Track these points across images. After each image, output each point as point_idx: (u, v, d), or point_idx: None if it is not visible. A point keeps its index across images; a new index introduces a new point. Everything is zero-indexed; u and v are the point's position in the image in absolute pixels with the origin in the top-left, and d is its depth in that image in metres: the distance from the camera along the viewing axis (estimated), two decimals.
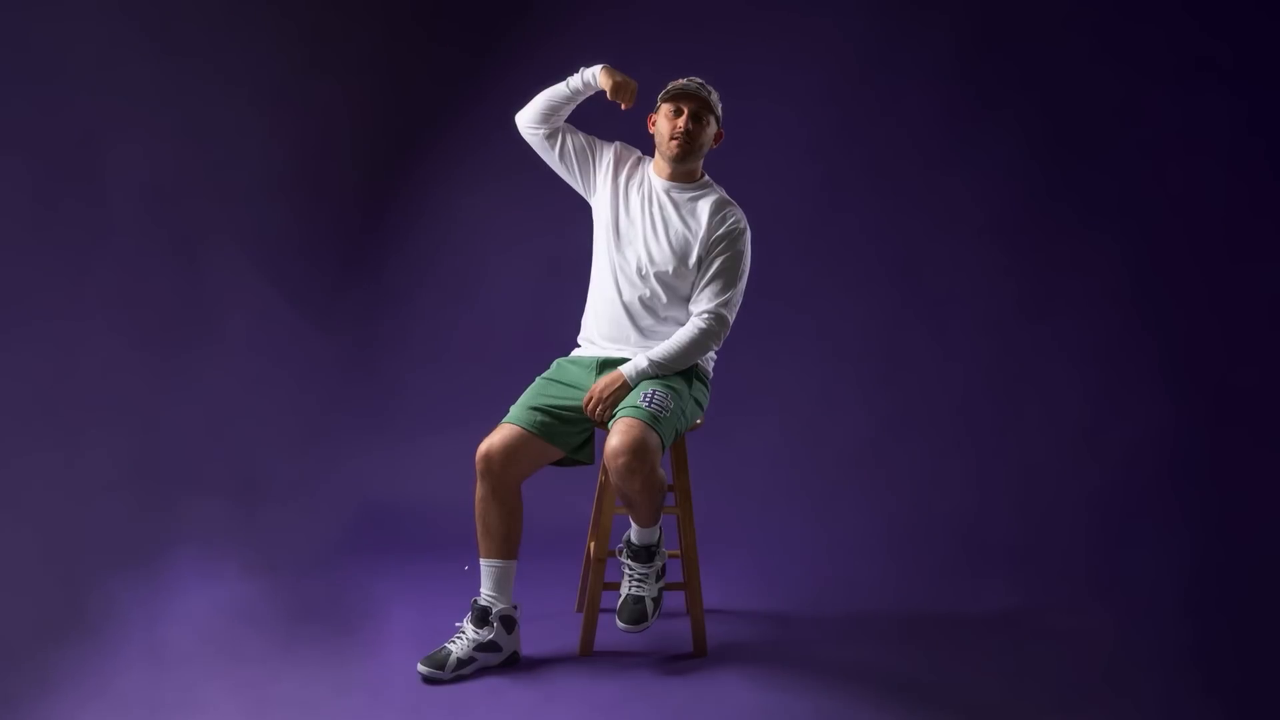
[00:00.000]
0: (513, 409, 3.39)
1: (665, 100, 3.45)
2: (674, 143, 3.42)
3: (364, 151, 5.10)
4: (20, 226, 4.68)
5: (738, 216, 3.46)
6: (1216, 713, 3.28)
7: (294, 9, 4.99)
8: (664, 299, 3.45)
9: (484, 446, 3.30)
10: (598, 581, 3.46)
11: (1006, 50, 4.95)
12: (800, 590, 4.03)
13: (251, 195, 4.97)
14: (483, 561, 3.35)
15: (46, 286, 4.68)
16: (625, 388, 3.34)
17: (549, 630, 3.58)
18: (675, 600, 3.71)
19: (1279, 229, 4.83)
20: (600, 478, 3.53)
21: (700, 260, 3.43)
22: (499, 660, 3.35)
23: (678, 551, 3.53)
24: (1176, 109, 4.89)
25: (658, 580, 3.47)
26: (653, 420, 3.21)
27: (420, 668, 3.27)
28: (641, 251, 3.45)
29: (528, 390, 3.46)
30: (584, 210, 3.63)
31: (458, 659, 3.29)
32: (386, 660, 3.38)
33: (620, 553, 3.50)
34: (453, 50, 5.06)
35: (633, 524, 3.44)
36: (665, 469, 3.39)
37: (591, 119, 3.62)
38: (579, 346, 3.60)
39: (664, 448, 3.26)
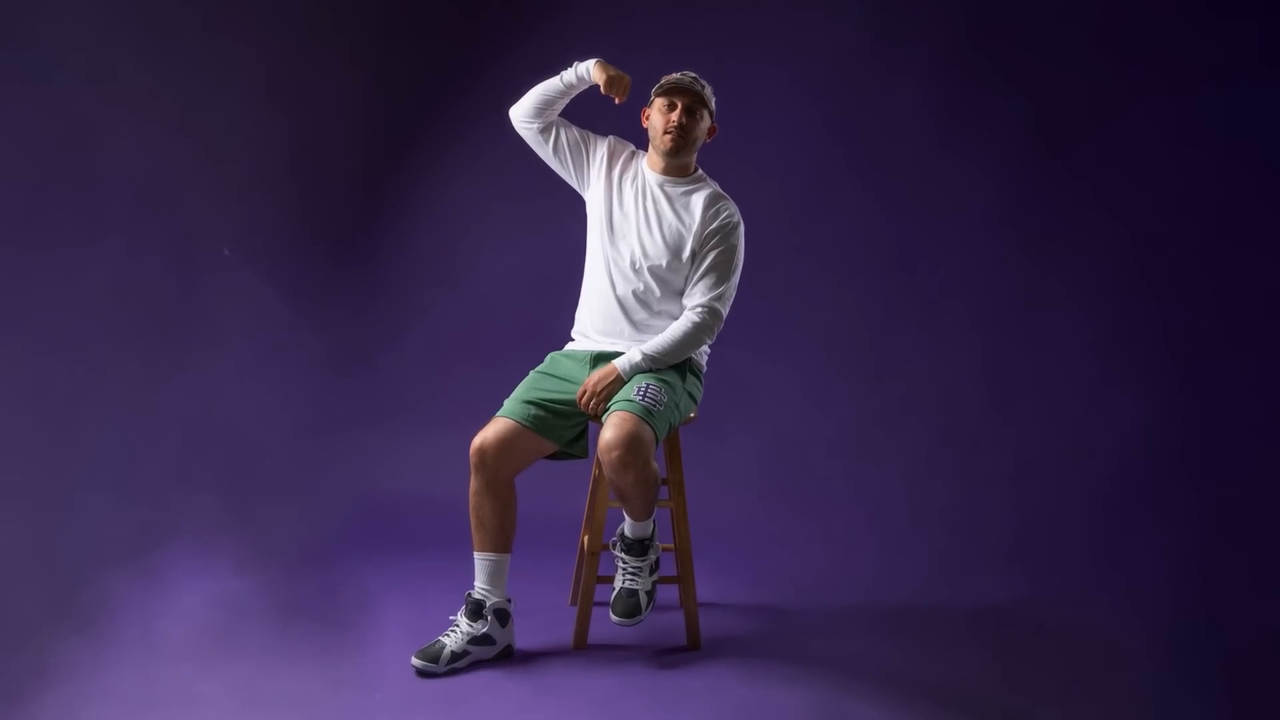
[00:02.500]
0: (506, 403, 3.39)
1: (659, 94, 3.45)
2: (667, 137, 3.42)
3: (358, 147, 5.10)
4: (14, 222, 4.67)
5: (731, 210, 3.47)
6: (1215, 705, 3.29)
7: (287, 5, 4.98)
8: (657, 293, 3.45)
9: (478, 440, 3.30)
10: (591, 575, 3.46)
11: (1000, 43, 4.95)
12: (794, 583, 4.04)
13: (245, 191, 4.97)
14: (477, 555, 3.35)
15: (40, 282, 4.67)
16: (619, 381, 3.34)
17: (543, 624, 3.58)
18: (669, 594, 3.71)
19: (1275, 220, 4.83)
20: (594, 471, 3.53)
21: (694, 254, 3.43)
22: (493, 654, 3.36)
23: (671, 545, 3.53)
24: (1169, 102, 4.89)
25: (651, 574, 3.48)
26: (646, 414, 3.22)
27: (414, 661, 3.27)
28: (635, 245, 3.45)
29: (521, 384, 3.46)
30: (578, 204, 3.63)
31: (451, 652, 3.29)
32: (380, 654, 3.38)
33: (614, 546, 3.51)
34: (446, 45, 5.06)
35: (626, 517, 3.45)
36: (659, 463, 3.39)
37: (585, 113, 3.61)
38: (573, 340, 3.60)
39: (658, 441, 3.26)
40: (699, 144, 3.49)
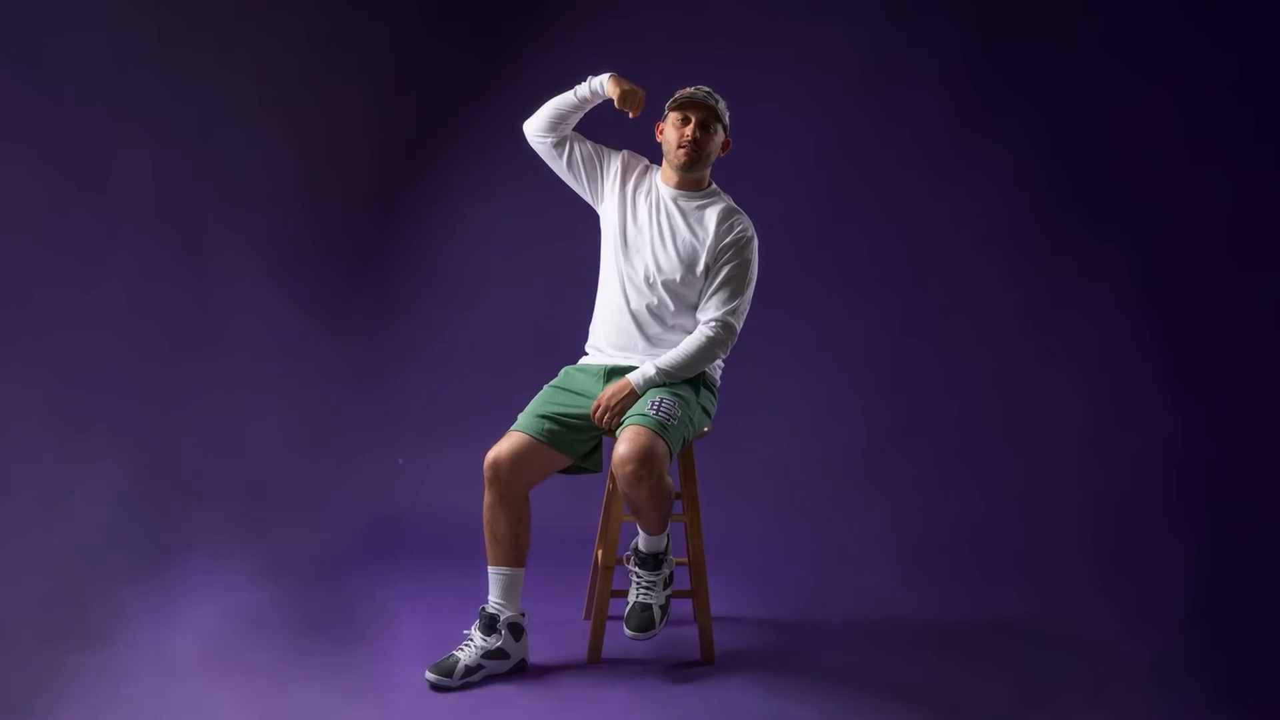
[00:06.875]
0: (520, 417, 3.39)
1: (672, 109, 3.46)
2: (681, 151, 3.43)
3: (372, 159, 5.10)
4: (30, 233, 4.68)
5: (745, 225, 3.47)
6: None
7: (302, 16, 5.00)
8: (671, 307, 3.45)
9: (492, 454, 3.31)
10: (605, 589, 3.46)
11: (1013, 58, 4.95)
12: (807, 598, 4.03)
13: (260, 202, 4.97)
14: (491, 569, 3.35)
15: (56, 293, 4.68)
16: (633, 395, 3.34)
17: (556, 637, 3.58)
18: (683, 607, 3.71)
19: None
20: (608, 485, 3.53)
21: (707, 268, 3.44)
22: (506, 668, 3.36)
23: (685, 559, 3.53)
24: (1182, 116, 4.89)
25: (665, 588, 3.48)
26: (660, 428, 3.22)
27: (428, 675, 3.27)
28: (649, 260, 3.45)
29: (535, 398, 3.46)
30: (591, 218, 3.64)
31: (465, 666, 3.29)
32: (394, 668, 3.38)
33: (628, 560, 3.51)
34: (461, 58, 5.06)
35: (640, 531, 3.45)
36: (673, 477, 3.39)
37: (599, 127, 3.62)
38: (587, 354, 3.61)
39: (671, 455, 3.26)
40: (713, 158, 3.49)
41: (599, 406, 3.35)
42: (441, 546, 4.27)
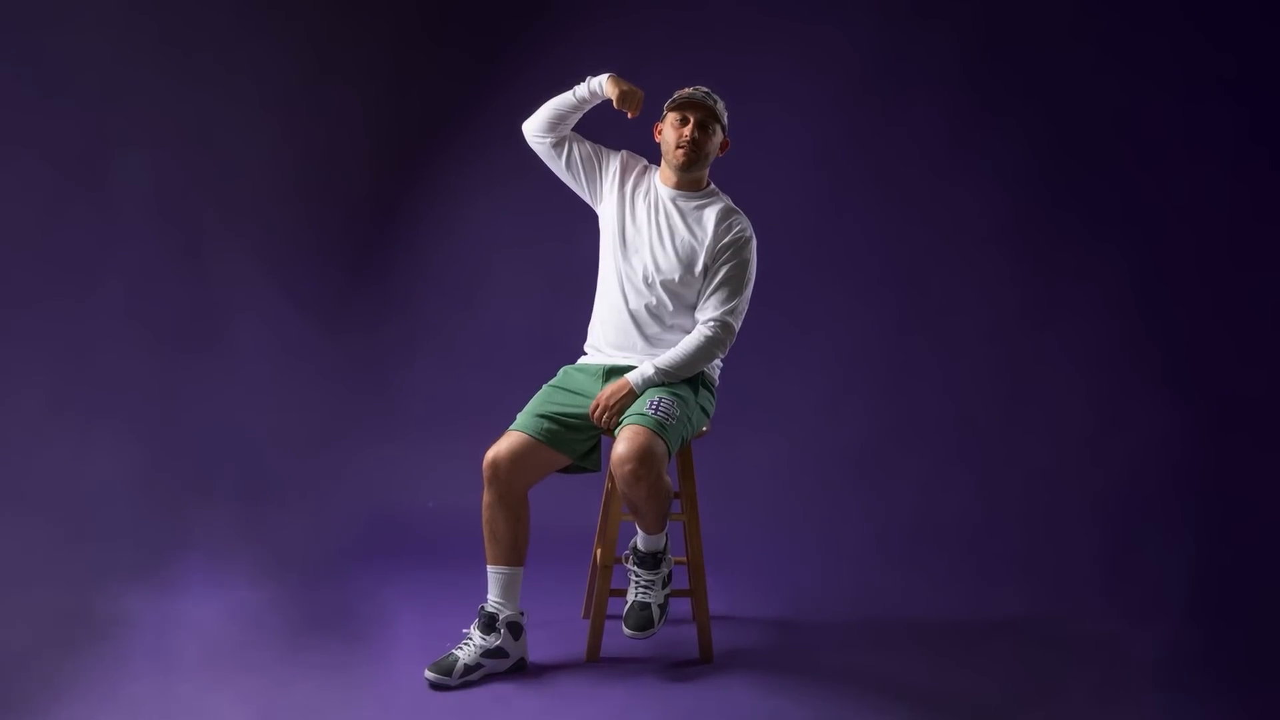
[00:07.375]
0: (520, 416, 3.40)
1: (671, 109, 3.47)
2: (679, 151, 3.43)
3: (371, 159, 5.10)
4: (30, 234, 4.69)
5: (743, 225, 3.48)
6: (1226, 718, 3.28)
7: (302, 17, 5.00)
8: (670, 307, 3.46)
9: (491, 454, 3.31)
10: (604, 588, 3.46)
11: (1011, 59, 4.96)
12: (806, 597, 4.04)
13: (259, 202, 4.98)
14: (490, 568, 3.36)
15: (56, 293, 4.69)
16: (632, 395, 3.35)
17: (555, 636, 3.58)
18: (681, 606, 3.72)
19: None
20: (607, 485, 3.54)
21: (706, 268, 3.44)
22: (506, 666, 3.36)
23: (684, 558, 3.53)
24: (1180, 117, 4.89)
25: (664, 587, 3.48)
26: (659, 427, 3.22)
27: (427, 674, 3.28)
28: (648, 259, 3.46)
29: (534, 398, 3.47)
30: (591, 218, 3.64)
31: (464, 665, 3.30)
32: (393, 667, 3.39)
33: (626, 559, 3.52)
34: (460, 59, 5.07)
35: (639, 531, 3.46)
36: (671, 476, 3.40)
37: (598, 127, 3.63)
38: (586, 354, 3.61)
39: (670, 455, 3.27)
40: (711, 158, 3.50)
41: (598, 406, 3.36)
42: (441, 546, 4.28)
